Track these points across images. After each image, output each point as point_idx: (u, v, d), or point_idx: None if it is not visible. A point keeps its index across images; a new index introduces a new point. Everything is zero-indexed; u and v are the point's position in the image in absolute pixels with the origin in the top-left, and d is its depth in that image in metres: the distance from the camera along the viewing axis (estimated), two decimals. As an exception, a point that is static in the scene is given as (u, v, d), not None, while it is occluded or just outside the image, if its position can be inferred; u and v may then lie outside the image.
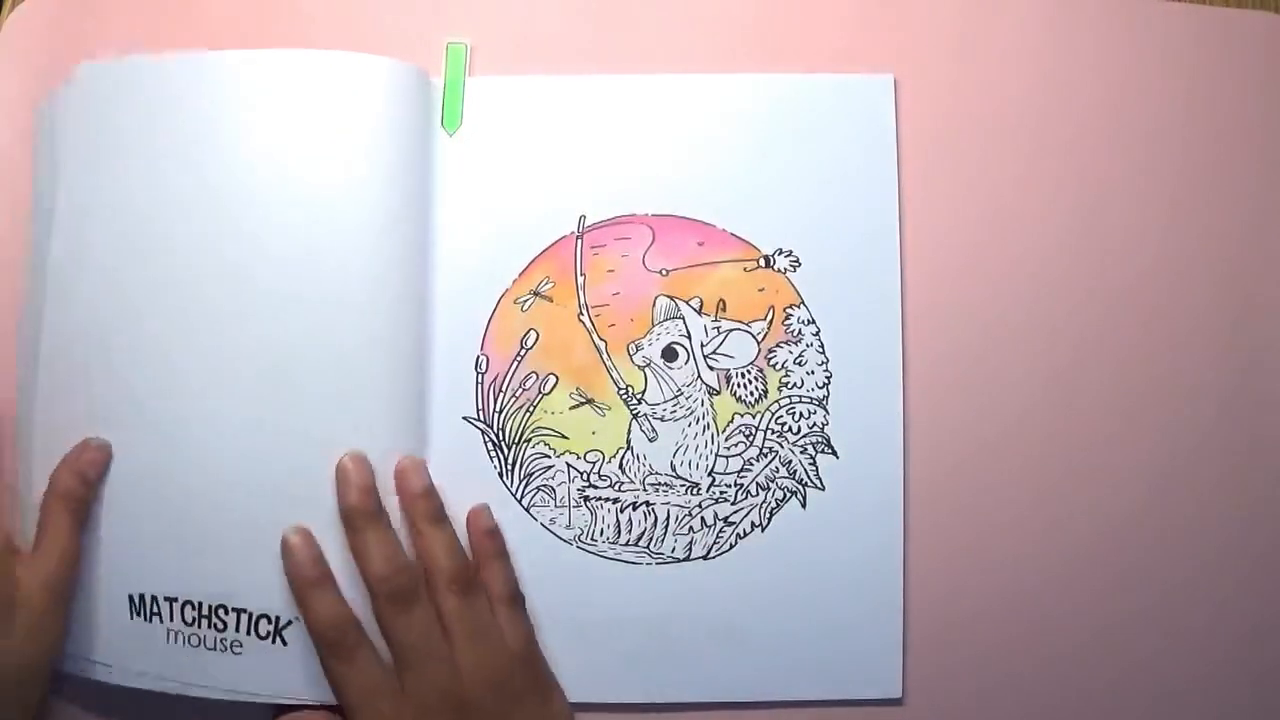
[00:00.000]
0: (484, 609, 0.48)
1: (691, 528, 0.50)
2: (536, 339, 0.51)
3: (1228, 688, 0.50)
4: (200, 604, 0.49)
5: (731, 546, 0.50)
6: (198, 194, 0.51)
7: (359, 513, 0.48)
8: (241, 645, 0.49)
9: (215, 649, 0.49)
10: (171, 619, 0.49)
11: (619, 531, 0.51)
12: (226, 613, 0.49)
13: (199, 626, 0.49)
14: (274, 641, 0.49)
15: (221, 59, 0.52)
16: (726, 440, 0.51)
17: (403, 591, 0.47)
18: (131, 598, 0.49)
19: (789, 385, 0.51)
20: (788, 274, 0.51)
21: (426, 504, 0.49)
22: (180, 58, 0.52)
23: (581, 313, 0.51)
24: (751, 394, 0.51)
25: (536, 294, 0.51)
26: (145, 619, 0.49)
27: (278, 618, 0.49)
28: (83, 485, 0.49)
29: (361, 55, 0.51)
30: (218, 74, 0.51)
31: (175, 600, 0.49)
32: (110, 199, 0.52)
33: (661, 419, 0.51)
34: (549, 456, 0.51)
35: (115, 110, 0.52)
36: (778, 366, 0.51)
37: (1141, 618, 0.50)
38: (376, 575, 0.47)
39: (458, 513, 0.50)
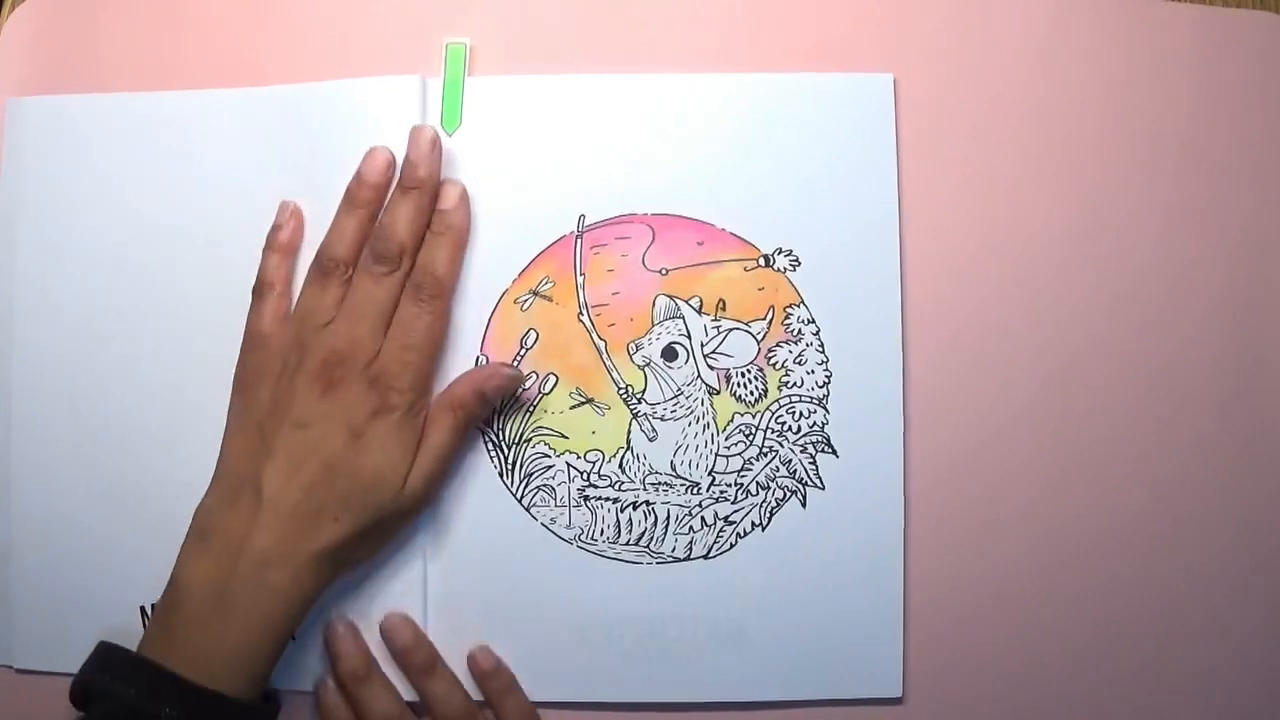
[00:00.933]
0: None
1: (692, 527, 0.50)
2: (536, 339, 0.51)
3: (1228, 688, 0.50)
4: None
5: (732, 546, 0.50)
6: (173, 225, 0.52)
7: (356, 677, 0.49)
8: (243, 645, 0.49)
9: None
10: (175, 622, 0.49)
11: (619, 531, 0.50)
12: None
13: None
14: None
15: (199, 99, 0.53)
16: (726, 440, 0.51)
17: None
18: (144, 609, 0.50)
19: (789, 384, 0.51)
20: (787, 273, 0.51)
21: (420, 656, 0.49)
22: (155, 97, 0.53)
23: (581, 312, 0.51)
24: (751, 393, 0.51)
25: (536, 293, 0.51)
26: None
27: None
28: (479, 403, 0.49)
29: (327, 84, 0.51)
30: (195, 113, 0.52)
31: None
32: (78, 237, 0.53)
33: (661, 418, 0.51)
34: (549, 456, 0.51)
35: (57, 149, 0.53)
36: (777, 366, 0.51)
37: (1141, 618, 0.50)
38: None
39: (460, 514, 0.50)
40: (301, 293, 0.49)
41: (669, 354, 0.51)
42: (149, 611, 0.50)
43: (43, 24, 0.55)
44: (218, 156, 0.52)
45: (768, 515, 0.50)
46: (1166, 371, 0.51)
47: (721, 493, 0.50)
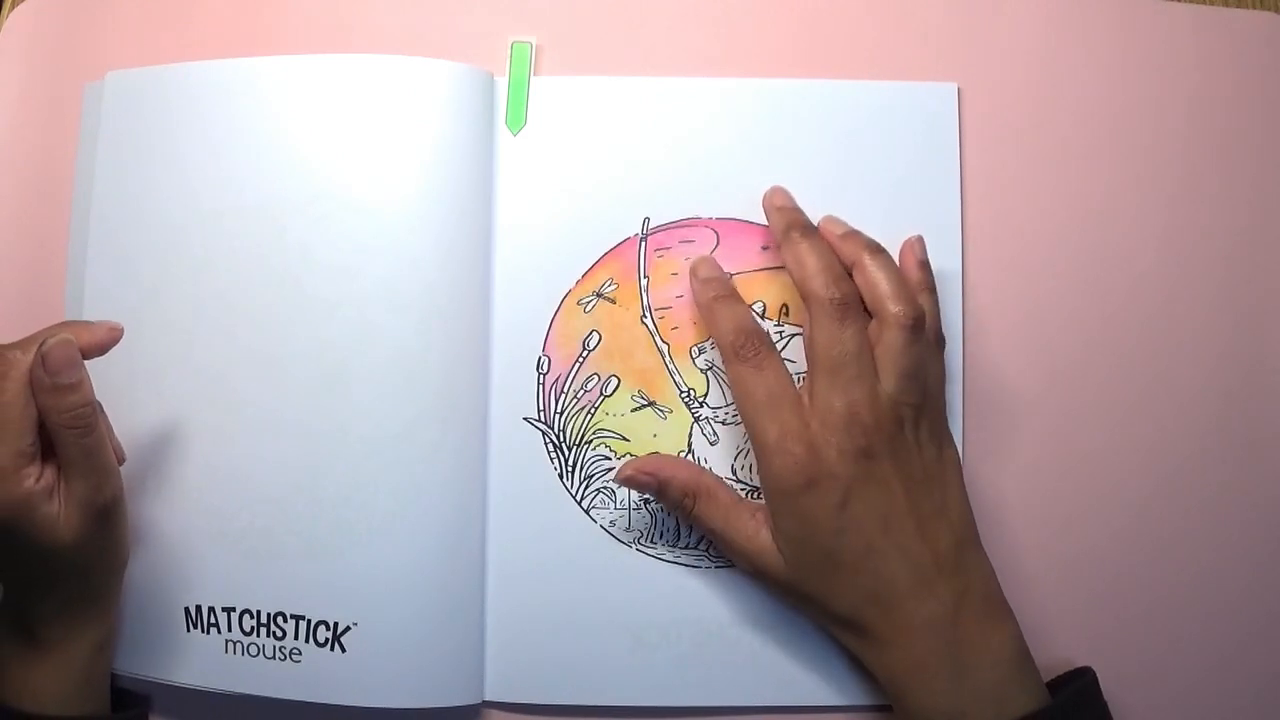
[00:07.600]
0: (925, 349, 0.47)
1: (751, 531, 0.51)
2: (599, 340, 0.51)
3: (1228, 691, 0.51)
4: (258, 612, 0.48)
5: (790, 549, 0.51)
6: (245, 202, 0.50)
7: (796, 225, 0.48)
8: (300, 653, 0.48)
9: (274, 657, 0.48)
10: (229, 629, 0.48)
11: (679, 534, 0.50)
12: (285, 620, 0.48)
13: (257, 635, 0.48)
14: (332, 649, 0.48)
15: (277, 64, 0.51)
16: (787, 444, 0.51)
17: (845, 303, 0.46)
18: (188, 610, 0.48)
19: (850, 390, 0.51)
20: (850, 279, 0.51)
21: (865, 239, 0.48)
22: (227, 64, 0.51)
23: (644, 315, 0.51)
24: (812, 398, 0.51)
25: (599, 295, 0.51)
26: (203, 630, 0.48)
27: (335, 624, 0.48)
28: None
29: (417, 59, 0.50)
30: (270, 80, 0.51)
31: (233, 610, 0.48)
32: (147, 209, 0.51)
33: (723, 422, 0.51)
34: (610, 458, 0.50)
35: (149, 119, 0.52)
36: (839, 371, 0.51)
37: (1140, 620, 0.51)
38: (816, 289, 0.47)
39: (520, 515, 0.50)
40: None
41: (731, 358, 0.51)
42: (194, 612, 0.48)
43: (44, 22, 0.54)
44: (274, 124, 0.51)
45: (826, 519, 0.51)
46: (1165, 372, 0.52)
47: (781, 496, 0.51)
